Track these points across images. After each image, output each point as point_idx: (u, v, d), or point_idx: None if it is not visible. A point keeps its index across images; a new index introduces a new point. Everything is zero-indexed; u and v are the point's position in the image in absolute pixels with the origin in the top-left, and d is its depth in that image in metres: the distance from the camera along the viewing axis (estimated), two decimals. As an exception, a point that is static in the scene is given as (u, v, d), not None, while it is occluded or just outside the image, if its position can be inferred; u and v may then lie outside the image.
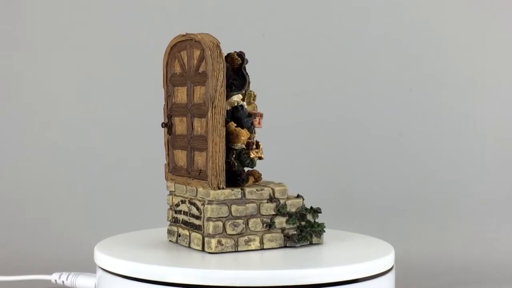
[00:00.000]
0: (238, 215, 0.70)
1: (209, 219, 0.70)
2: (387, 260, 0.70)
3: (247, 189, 0.71)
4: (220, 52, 0.70)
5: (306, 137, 1.16)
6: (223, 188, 0.70)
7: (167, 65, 0.76)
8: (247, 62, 0.72)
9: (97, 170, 1.14)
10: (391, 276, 0.71)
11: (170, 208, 0.76)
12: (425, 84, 1.17)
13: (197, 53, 0.71)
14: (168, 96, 0.76)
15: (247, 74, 0.72)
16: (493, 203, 1.12)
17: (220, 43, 0.70)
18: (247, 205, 0.71)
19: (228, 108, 0.72)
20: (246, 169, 0.73)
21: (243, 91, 0.73)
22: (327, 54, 1.18)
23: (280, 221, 0.72)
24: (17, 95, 1.17)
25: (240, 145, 0.71)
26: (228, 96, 0.72)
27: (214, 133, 0.69)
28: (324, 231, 0.74)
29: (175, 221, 0.75)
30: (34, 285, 0.86)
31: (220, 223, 0.70)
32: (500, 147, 1.15)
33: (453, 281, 0.95)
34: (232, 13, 1.18)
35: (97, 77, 1.17)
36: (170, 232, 0.76)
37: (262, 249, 0.71)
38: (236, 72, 0.72)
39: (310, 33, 1.18)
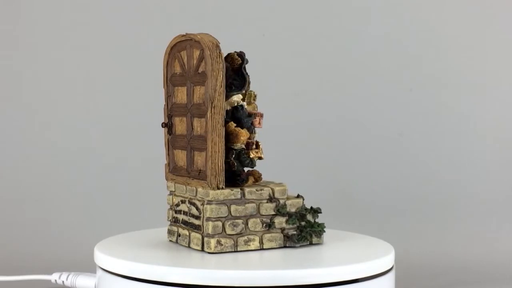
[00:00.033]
0: (238, 215, 0.70)
1: (208, 219, 0.70)
2: (387, 260, 0.70)
3: (246, 189, 0.71)
4: (219, 52, 0.70)
5: (306, 137, 1.16)
6: (222, 188, 0.70)
7: (167, 65, 0.76)
8: (247, 62, 0.72)
9: (97, 170, 1.14)
10: (391, 276, 0.71)
11: (170, 208, 0.76)
12: (425, 84, 1.17)
13: (196, 53, 0.71)
14: (168, 96, 0.76)
15: (247, 74, 0.72)
16: (493, 203, 1.12)
17: (219, 43, 0.70)
18: (247, 205, 0.71)
19: (228, 108, 0.72)
20: (246, 169, 0.73)
21: (243, 91, 0.73)
22: (327, 54, 1.18)
23: (279, 221, 0.72)
24: (17, 95, 1.17)
25: (239, 145, 0.71)
26: (228, 96, 0.72)
27: (214, 133, 0.69)
28: (324, 231, 0.74)
29: (175, 221, 0.75)
30: (34, 285, 0.86)
31: (220, 223, 0.70)
32: (500, 147, 1.15)
33: (453, 281, 0.95)
34: (232, 13, 1.18)
35: (97, 77, 1.17)
36: (170, 232, 0.76)
37: (262, 249, 0.71)
38: (236, 72, 0.72)
39: (310, 33, 1.18)
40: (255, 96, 0.74)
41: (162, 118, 0.77)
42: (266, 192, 0.72)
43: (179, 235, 0.74)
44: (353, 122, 1.17)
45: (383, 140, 1.16)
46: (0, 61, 1.17)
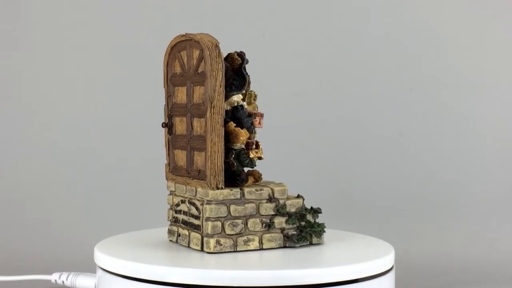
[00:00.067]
0: (237, 215, 0.70)
1: (207, 219, 0.70)
2: (387, 260, 0.70)
3: (246, 189, 0.71)
4: (219, 52, 0.70)
5: (306, 137, 1.16)
6: (221, 188, 0.70)
7: (168, 65, 0.76)
8: (247, 62, 0.72)
9: (97, 170, 1.15)
10: (391, 276, 0.71)
11: (171, 208, 0.76)
12: (425, 84, 1.17)
13: (196, 53, 0.71)
14: (169, 96, 0.76)
15: (247, 74, 0.72)
16: (493, 203, 1.12)
17: (219, 43, 0.70)
18: (246, 205, 0.71)
19: (228, 108, 0.72)
20: (246, 169, 0.73)
21: (243, 91, 0.73)
22: (327, 54, 1.18)
23: (279, 221, 0.72)
24: (17, 95, 1.17)
25: (239, 145, 0.71)
26: (228, 96, 0.72)
27: (213, 133, 0.69)
28: (324, 231, 0.74)
29: (175, 221, 0.75)
30: (34, 285, 0.86)
31: (219, 223, 0.70)
32: (500, 147, 1.15)
33: (453, 281, 0.95)
34: (232, 13, 1.18)
35: (97, 77, 1.17)
36: (170, 232, 0.76)
37: (261, 249, 0.71)
38: (236, 72, 0.72)
39: (310, 33, 1.18)
40: (256, 96, 0.74)
41: (162, 118, 0.77)
42: (265, 192, 0.72)
43: (179, 235, 0.74)
44: (353, 122, 1.17)
45: (383, 140, 1.16)
46: (0, 61, 1.17)
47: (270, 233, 0.72)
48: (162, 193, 0.83)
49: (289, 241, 0.72)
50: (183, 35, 0.73)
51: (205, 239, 0.70)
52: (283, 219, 0.72)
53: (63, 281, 0.79)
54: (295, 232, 0.73)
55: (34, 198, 1.13)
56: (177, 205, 0.75)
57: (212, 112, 0.69)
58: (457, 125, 1.16)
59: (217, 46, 0.70)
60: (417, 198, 1.13)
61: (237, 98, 0.72)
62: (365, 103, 1.17)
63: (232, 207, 0.70)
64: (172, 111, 0.75)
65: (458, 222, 1.11)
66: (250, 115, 0.72)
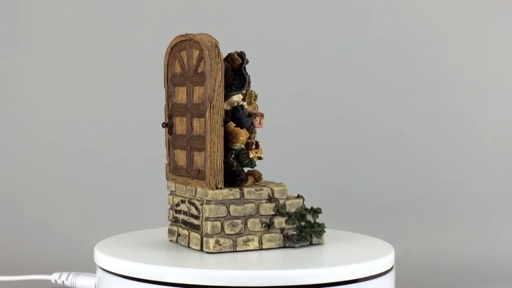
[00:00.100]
0: (237, 215, 0.70)
1: (207, 219, 0.70)
2: (387, 260, 0.70)
3: (245, 189, 0.71)
4: (218, 52, 0.70)
5: (306, 137, 1.16)
6: (221, 188, 0.70)
7: (168, 65, 0.76)
8: (247, 62, 0.72)
9: (97, 170, 1.15)
10: (391, 276, 0.71)
11: (171, 208, 0.76)
12: (425, 84, 1.17)
13: (196, 53, 0.71)
14: (169, 96, 0.76)
15: (247, 74, 0.72)
16: (493, 203, 1.12)
17: (218, 43, 0.70)
18: (246, 205, 0.71)
19: (228, 108, 0.72)
20: (246, 169, 0.73)
21: (243, 91, 0.73)
22: (327, 54, 1.18)
23: (279, 221, 0.72)
24: (17, 95, 1.17)
25: (239, 145, 0.71)
26: (228, 96, 0.72)
27: (212, 133, 0.69)
28: (325, 231, 0.74)
29: (175, 220, 0.75)
30: (34, 285, 0.86)
31: (218, 223, 0.70)
32: (500, 147, 1.15)
33: (453, 281, 0.95)
34: (232, 13, 1.18)
35: (97, 77, 1.17)
36: (170, 232, 0.76)
37: (261, 249, 0.71)
38: (236, 72, 0.72)
39: (310, 33, 1.18)
40: (256, 96, 0.74)
41: (162, 118, 0.77)
42: (265, 192, 0.72)
43: (179, 235, 0.74)
44: (353, 122, 1.17)
45: (383, 140, 1.16)
46: (0, 61, 1.17)
47: (269, 233, 0.72)
48: (162, 193, 0.83)
49: (289, 241, 0.72)
50: (183, 35, 0.73)
51: (204, 239, 0.70)
52: (283, 219, 0.72)
53: (63, 281, 0.79)
54: (295, 232, 0.73)
55: (34, 198, 1.13)
56: (177, 205, 0.75)
57: (211, 112, 0.69)
58: (457, 125, 1.16)
59: (216, 46, 0.70)
60: (417, 198, 1.13)
61: (237, 98, 0.72)
62: (365, 103, 1.17)
63: (232, 207, 0.70)
64: (172, 111, 0.76)
65: (458, 222, 1.11)
66: (250, 115, 0.72)
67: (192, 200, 0.72)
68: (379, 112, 1.16)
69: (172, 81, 0.75)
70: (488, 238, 1.09)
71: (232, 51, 0.73)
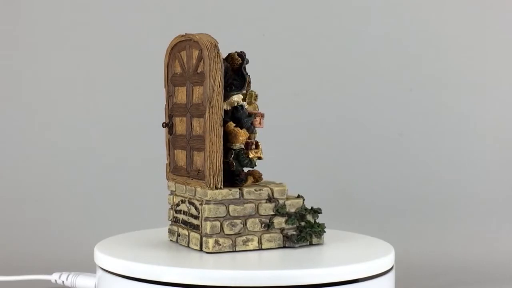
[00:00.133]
0: (236, 215, 0.70)
1: (206, 219, 0.70)
2: (387, 260, 0.70)
3: (245, 189, 0.71)
4: (217, 52, 0.70)
5: (306, 137, 1.16)
6: (220, 188, 0.70)
7: (168, 65, 0.76)
8: (247, 62, 0.72)
9: (97, 170, 1.15)
10: (391, 276, 0.71)
11: (171, 208, 0.76)
12: (425, 84, 1.17)
13: (195, 53, 0.71)
14: (169, 96, 0.76)
15: (247, 74, 0.72)
16: (493, 203, 1.12)
17: (218, 43, 0.70)
18: (245, 205, 0.71)
19: (228, 108, 0.72)
20: (246, 169, 0.73)
21: (243, 91, 0.73)
22: (327, 54, 1.18)
23: (279, 221, 0.72)
24: (17, 95, 1.17)
25: (238, 145, 0.71)
26: (228, 96, 0.72)
27: (212, 133, 0.69)
28: (325, 232, 0.74)
29: (175, 220, 0.75)
30: (34, 285, 0.86)
31: (218, 223, 0.70)
32: (500, 147, 1.15)
33: (453, 281, 0.95)
34: (232, 13, 1.18)
35: (97, 77, 1.17)
36: (170, 232, 0.76)
37: (261, 249, 0.71)
38: (236, 72, 0.72)
39: (310, 33, 1.18)
40: (256, 96, 0.74)
41: (162, 118, 0.77)
42: (265, 192, 0.72)
43: (179, 235, 0.74)
44: (353, 122, 1.17)
45: (383, 140, 1.16)
46: (0, 61, 1.17)
47: (269, 233, 0.72)
48: (162, 193, 0.83)
49: (289, 241, 0.72)
50: (183, 35, 0.73)
51: (204, 239, 0.70)
52: (283, 219, 0.72)
53: (63, 281, 0.79)
54: (294, 232, 0.73)
55: (34, 198, 1.13)
56: (177, 205, 0.75)
57: (211, 112, 0.69)
58: (457, 125, 1.16)
59: (216, 46, 0.70)
60: (417, 198, 1.13)
61: (237, 98, 0.72)
62: (365, 103, 1.17)
63: (231, 207, 0.70)
64: (172, 111, 0.76)
65: (458, 222, 1.11)
66: (250, 115, 0.72)
67: (192, 200, 0.72)
68: (379, 112, 1.16)
69: (172, 81, 0.75)
70: (488, 238, 1.09)
71: (232, 51, 0.73)
